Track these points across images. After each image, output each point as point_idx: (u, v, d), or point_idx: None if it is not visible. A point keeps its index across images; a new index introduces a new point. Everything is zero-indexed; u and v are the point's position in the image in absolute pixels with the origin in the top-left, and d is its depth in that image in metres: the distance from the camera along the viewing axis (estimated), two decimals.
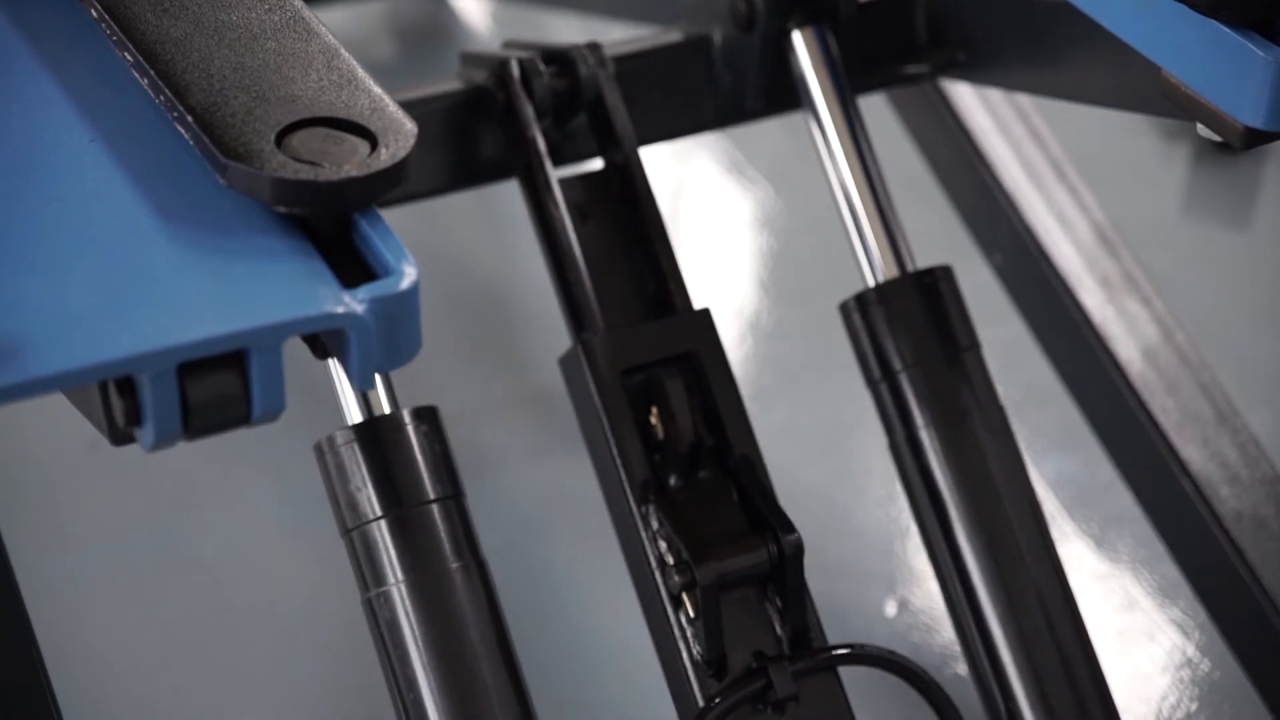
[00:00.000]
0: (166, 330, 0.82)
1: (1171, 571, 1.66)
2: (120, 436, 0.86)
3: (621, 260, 1.24)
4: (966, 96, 1.66)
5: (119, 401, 0.84)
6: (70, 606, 1.60)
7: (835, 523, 1.71)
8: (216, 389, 0.83)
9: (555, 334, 1.82)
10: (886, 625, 1.64)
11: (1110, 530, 1.72)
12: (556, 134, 1.27)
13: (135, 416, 0.84)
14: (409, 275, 0.87)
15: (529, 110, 1.23)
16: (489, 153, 1.28)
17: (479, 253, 2.02)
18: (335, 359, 0.88)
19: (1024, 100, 1.68)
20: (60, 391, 0.86)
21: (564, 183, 1.24)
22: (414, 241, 1.89)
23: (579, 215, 1.24)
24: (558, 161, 1.26)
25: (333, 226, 0.89)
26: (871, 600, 1.66)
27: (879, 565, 1.69)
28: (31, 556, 1.35)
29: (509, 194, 2.03)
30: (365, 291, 0.86)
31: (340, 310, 0.85)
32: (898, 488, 1.71)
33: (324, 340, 0.89)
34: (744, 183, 2.13)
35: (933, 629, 1.64)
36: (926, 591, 1.67)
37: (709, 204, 2.10)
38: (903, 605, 1.65)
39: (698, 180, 2.13)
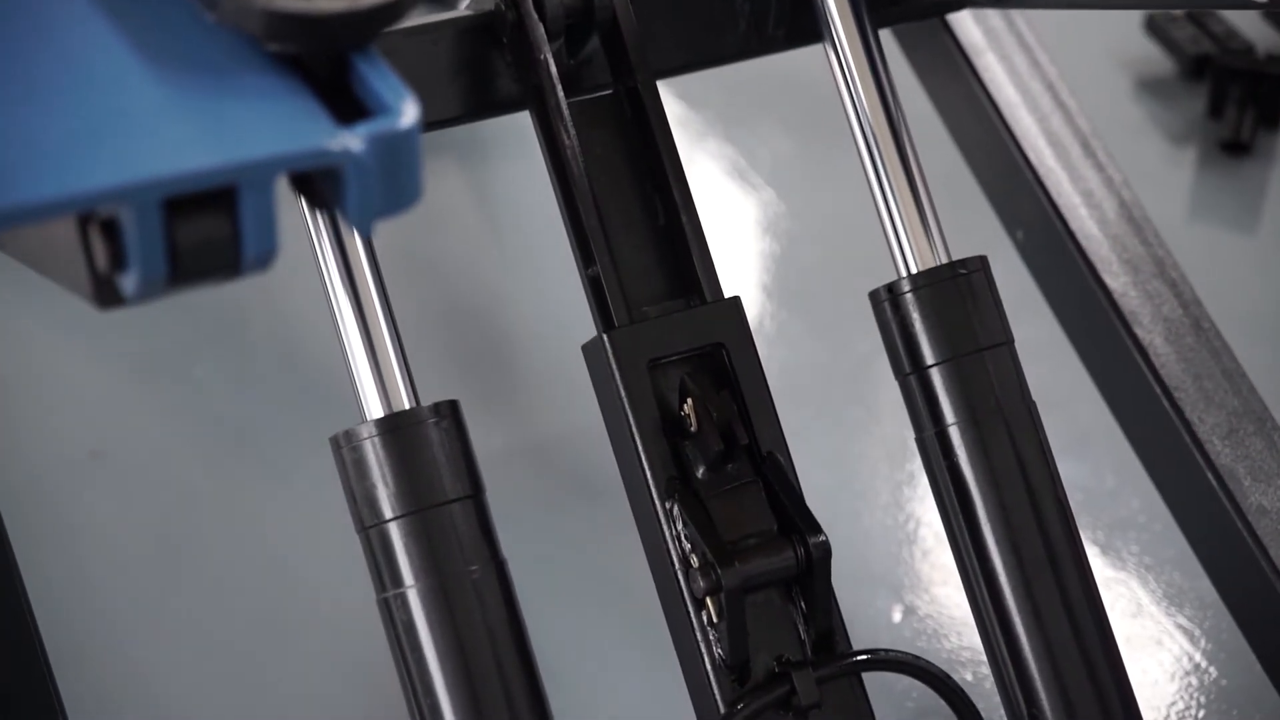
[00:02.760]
0: (152, 163, 0.78)
1: (1178, 577, 1.65)
2: (103, 289, 0.80)
3: (632, 190, 1.19)
4: (993, 67, 1.61)
5: (101, 244, 0.79)
6: (73, 612, 1.57)
7: (841, 528, 1.68)
8: (205, 230, 0.79)
9: (557, 356, 1.83)
10: (892, 631, 1.61)
11: (1116, 536, 1.70)
12: (569, 60, 1.22)
13: (118, 260, 0.79)
14: (409, 113, 0.82)
15: (540, 31, 1.17)
16: (501, 82, 1.23)
17: (479, 264, 1.99)
18: (334, 208, 0.84)
19: (1052, 72, 1.63)
20: (36, 267, 0.82)
21: (575, 108, 1.18)
22: (414, 249, 1.87)
23: (591, 143, 1.19)
24: (571, 93, 1.20)
25: (328, 68, 0.85)
26: (877, 606, 1.63)
27: (885, 571, 1.67)
28: (33, 564, 1.33)
29: (510, 201, 2.06)
30: (363, 128, 0.81)
31: (336, 147, 0.81)
32: (904, 493, 1.73)
33: (320, 186, 0.84)
34: (747, 188, 2.09)
35: (939, 634, 1.61)
36: (932, 597, 1.64)
37: (711, 209, 2.07)
38: (909, 611, 1.63)
39: (700, 185, 2.09)
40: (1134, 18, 2.27)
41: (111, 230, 0.79)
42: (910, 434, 1.79)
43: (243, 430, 1.77)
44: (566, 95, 1.17)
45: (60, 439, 1.73)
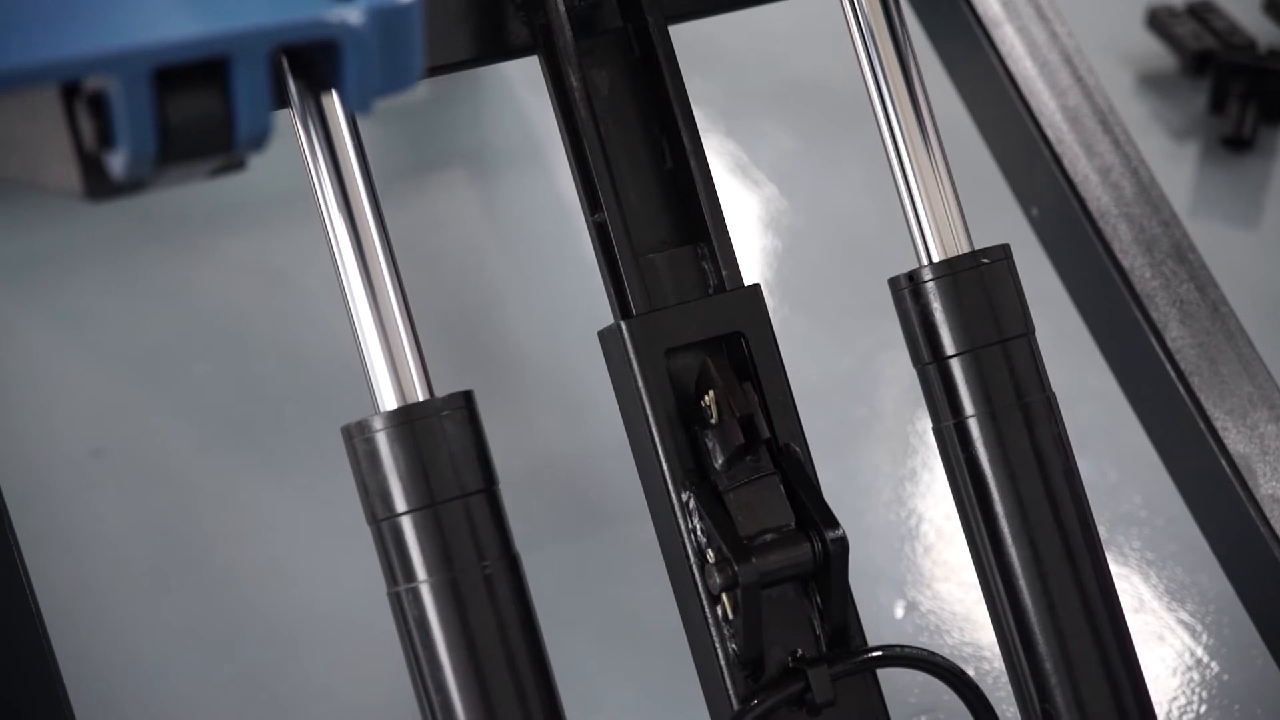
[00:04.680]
0: (142, 31, 0.75)
1: (1180, 573, 1.64)
2: (91, 173, 0.78)
3: (639, 133, 1.16)
4: (1011, 39, 1.58)
5: (88, 120, 0.76)
6: (74, 609, 1.57)
7: (843, 524, 1.68)
8: (196, 106, 0.76)
9: (556, 353, 1.82)
10: (895, 627, 1.60)
11: (1119, 532, 1.68)
12: (579, 2, 1.17)
13: (106, 137, 0.76)
14: None
15: None
16: (511, 25, 1.19)
17: (485, 260, 1.98)
18: (331, 88, 0.80)
19: (1070, 44, 1.59)
20: (23, 174, 0.79)
21: (583, 49, 1.15)
22: (417, 247, 1.85)
23: (597, 82, 1.15)
24: (580, 36, 1.16)
25: None
26: (880, 602, 1.62)
27: (887, 567, 1.65)
28: (35, 561, 1.31)
29: (512, 204, 2.05)
30: (362, 0, 0.78)
31: (333, 19, 0.77)
32: (905, 489, 1.72)
33: (316, 64, 0.81)
34: (749, 184, 2.08)
35: (941, 630, 1.60)
36: (934, 593, 1.63)
37: None
38: (911, 607, 1.62)
39: None
40: (1136, 13, 2.26)
41: (99, 106, 0.76)
42: (911, 430, 1.79)
43: (243, 428, 1.75)
44: (575, 38, 1.14)
45: (62, 437, 1.72)
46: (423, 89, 2.13)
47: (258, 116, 0.78)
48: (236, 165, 0.81)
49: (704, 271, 1.15)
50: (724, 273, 1.14)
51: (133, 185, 0.78)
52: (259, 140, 0.78)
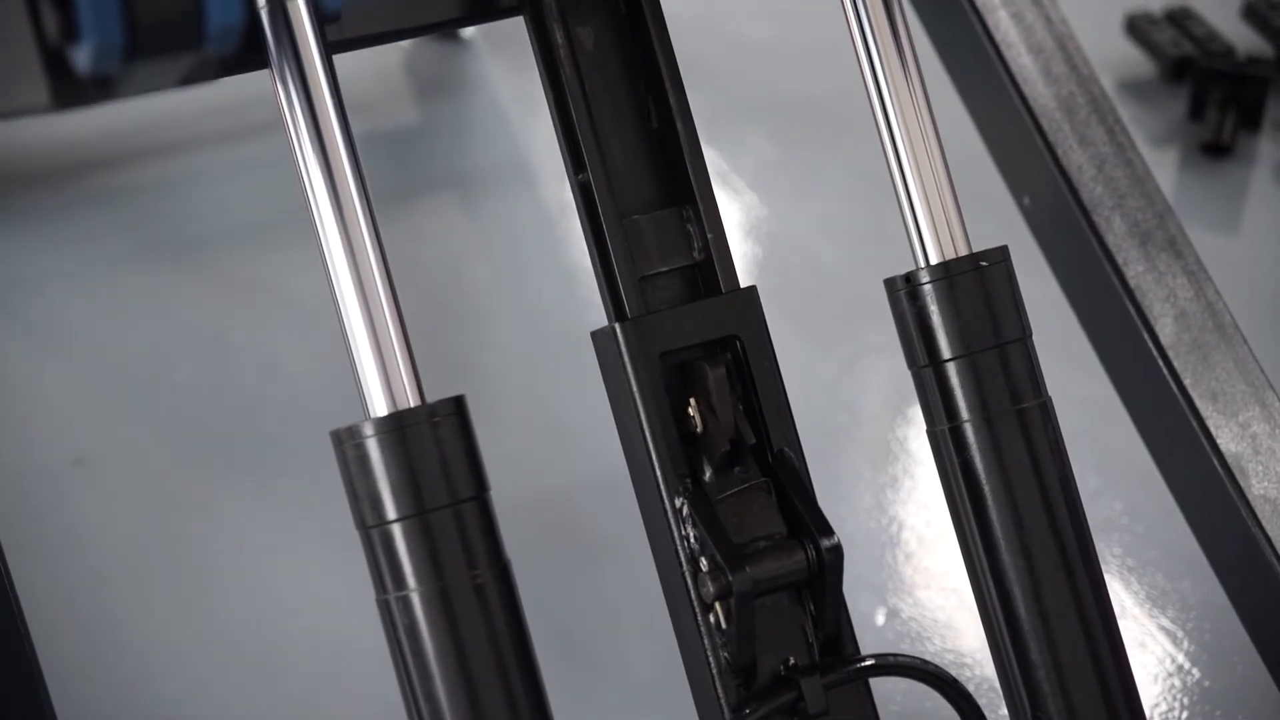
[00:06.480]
0: None
1: (1161, 579, 1.64)
2: (56, 70, 0.75)
3: (625, 91, 1.12)
4: (1005, 25, 1.55)
5: (51, 9, 0.74)
6: (57, 618, 1.55)
7: None
8: None
9: (542, 382, 1.81)
10: (876, 634, 1.58)
11: (1100, 538, 1.66)
12: None
13: (71, 30, 0.74)
14: None
15: None
16: None
17: (468, 269, 1.97)
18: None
19: (1065, 30, 1.56)
20: None
21: (569, 5, 1.11)
22: (404, 253, 1.84)
23: (582, 38, 1.12)
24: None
25: None
26: (861, 609, 1.60)
27: (868, 574, 1.64)
28: (17, 571, 1.30)
29: (498, 208, 2.04)
30: None
31: None
32: (887, 496, 1.71)
33: None
34: (730, 192, 2.07)
35: (923, 637, 1.59)
36: (915, 600, 1.62)
37: None
38: (892, 614, 1.60)
39: None
40: (1114, 20, 2.25)
41: None
42: (892, 436, 1.78)
43: (224, 437, 1.74)
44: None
45: (43, 447, 1.71)
46: (412, 115, 2.12)
47: (229, 9, 0.75)
48: (205, 73, 0.78)
49: (689, 235, 1.12)
50: (709, 236, 1.11)
51: (101, 88, 0.75)
52: (230, 35, 0.75)
